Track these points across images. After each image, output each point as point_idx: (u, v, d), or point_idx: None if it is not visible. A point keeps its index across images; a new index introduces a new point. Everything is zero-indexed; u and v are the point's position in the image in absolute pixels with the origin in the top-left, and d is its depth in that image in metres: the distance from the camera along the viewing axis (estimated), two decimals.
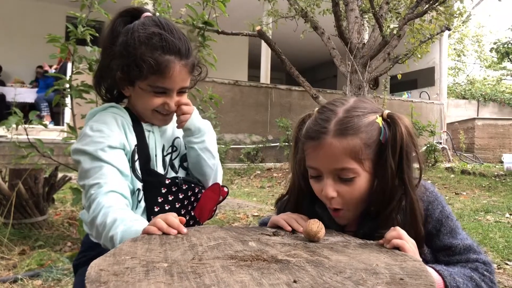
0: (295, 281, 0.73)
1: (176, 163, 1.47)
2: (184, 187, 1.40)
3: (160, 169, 1.40)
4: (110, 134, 1.29)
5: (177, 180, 1.39)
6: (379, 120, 1.14)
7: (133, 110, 1.42)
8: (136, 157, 1.35)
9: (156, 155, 1.40)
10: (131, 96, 1.39)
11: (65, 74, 4.65)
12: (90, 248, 1.37)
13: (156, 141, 1.42)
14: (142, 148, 1.37)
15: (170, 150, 1.46)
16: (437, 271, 1.05)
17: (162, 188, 1.36)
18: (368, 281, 0.74)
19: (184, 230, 1.04)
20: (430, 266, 1.06)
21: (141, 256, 0.85)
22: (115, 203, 1.18)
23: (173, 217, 1.05)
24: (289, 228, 1.13)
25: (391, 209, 1.13)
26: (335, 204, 1.13)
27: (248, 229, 1.16)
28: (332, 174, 1.11)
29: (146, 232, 1.03)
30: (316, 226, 1.02)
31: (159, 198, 1.36)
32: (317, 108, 1.21)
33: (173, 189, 1.38)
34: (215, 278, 0.73)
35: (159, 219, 1.04)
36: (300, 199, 1.27)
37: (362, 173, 1.11)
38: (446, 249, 1.15)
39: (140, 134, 1.39)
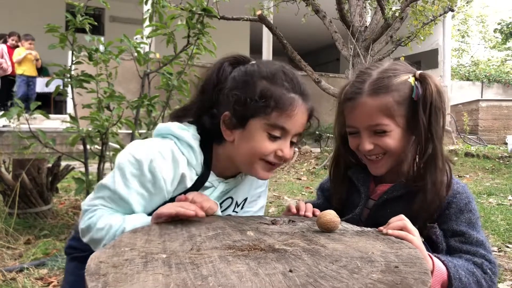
0: (291, 271, 0.74)
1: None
2: None
3: None
4: (160, 187, 1.16)
5: None
6: (412, 80, 1.23)
7: (218, 161, 1.26)
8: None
9: None
10: (233, 142, 1.21)
11: None
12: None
13: (211, 195, 1.27)
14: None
15: (222, 206, 1.32)
16: (442, 261, 1.08)
17: None
18: (363, 270, 0.75)
19: (201, 213, 1.06)
20: (436, 256, 1.08)
21: (140, 247, 0.86)
22: (114, 215, 1.15)
23: (188, 204, 1.08)
24: (302, 213, 1.22)
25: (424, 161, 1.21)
26: (375, 152, 1.25)
27: (247, 218, 1.17)
28: (367, 130, 1.24)
29: (161, 215, 1.05)
30: (330, 215, 1.02)
31: None
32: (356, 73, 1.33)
33: None
34: (212, 269, 0.74)
35: (172, 205, 1.06)
36: (341, 162, 1.41)
37: (395, 128, 1.22)
38: (460, 235, 1.19)
39: (193, 190, 1.22)
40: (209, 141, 1.25)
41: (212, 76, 1.25)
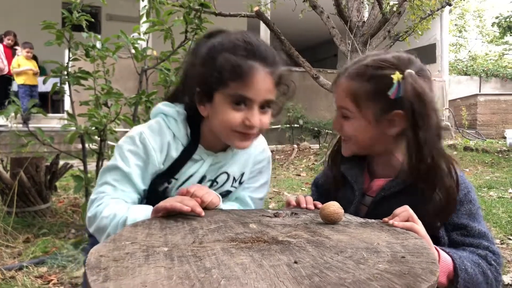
0: (295, 262, 0.73)
1: None
2: None
3: None
4: (150, 155, 1.25)
5: None
6: (395, 77, 1.13)
7: (206, 136, 1.31)
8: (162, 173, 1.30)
9: (188, 182, 1.32)
10: (208, 117, 1.25)
11: None
12: None
13: (199, 170, 1.31)
14: (172, 173, 1.30)
15: (209, 184, 1.35)
16: (447, 253, 1.06)
17: None
18: (369, 260, 0.74)
19: (199, 209, 1.06)
20: (441, 249, 1.07)
21: (141, 241, 0.85)
22: (121, 204, 1.20)
23: (188, 199, 1.09)
24: (304, 206, 1.22)
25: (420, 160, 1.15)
26: (342, 133, 1.28)
27: (249, 211, 1.16)
28: (339, 110, 1.26)
29: (159, 209, 1.06)
30: (334, 206, 1.01)
31: None
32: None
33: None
34: (216, 261, 0.73)
35: (172, 199, 1.07)
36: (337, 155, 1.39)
37: (359, 118, 1.21)
38: (462, 228, 1.17)
39: (181, 162, 1.30)
40: (197, 118, 1.30)
41: (187, 56, 1.34)
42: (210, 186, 1.34)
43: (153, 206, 1.20)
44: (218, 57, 1.16)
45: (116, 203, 1.17)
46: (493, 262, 1.13)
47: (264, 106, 1.21)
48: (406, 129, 1.15)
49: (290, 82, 1.28)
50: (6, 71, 8.77)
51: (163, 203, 1.07)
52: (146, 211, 1.13)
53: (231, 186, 1.40)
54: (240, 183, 1.42)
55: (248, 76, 1.14)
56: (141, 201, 1.29)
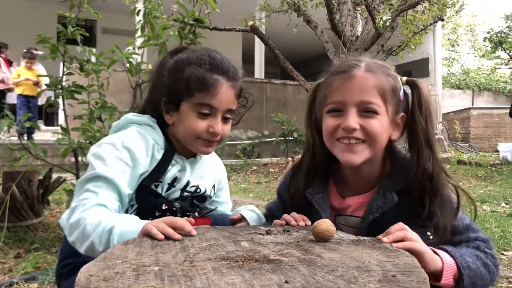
0: (286, 282, 0.72)
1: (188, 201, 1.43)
2: (179, 215, 1.34)
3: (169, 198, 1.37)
4: (137, 158, 1.26)
5: (174, 208, 1.36)
6: (401, 80, 1.19)
7: (174, 142, 1.38)
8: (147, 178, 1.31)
9: (173, 187, 1.36)
10: (174, 125, 1.34)
11: None
12: (71, 255, 1.31)
13: (183, 176, 1.38)
14: (157, 176, 1.32)
15: (193, 189, 1.41)
16: (449, 253, 1.07)
17: (157, 212, 1.33)
18: (360, 279, 0.74)
19: (188, 229, 1.02)
20: (441, 248, 1.07)
21: (132, 259, 0.84)
22: (106, 211, 1.16)
23: (178, 219, 1.05)
24: (294, 223, 1.17)
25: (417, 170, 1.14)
26: (356, 135, 1.13)
27: (241, 228, 1.15)
28: (356, 107, 1.13)
29: (146, 232, 1.01)
30: (325, 224, 1.00)
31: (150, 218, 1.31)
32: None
33: (167, 214, 1.33)
34: (206, 281, 0.72)
35: (162, 222, 1.02)
36: (309, 173, 1.30)
37: (384, 115, 1.14)
38: (448, 229, 1.16)
39: (164, 164, 1.34)
40: (162, 126, 1.37)
41: (155, 70, 1.40)
42: (195, 192, 1.42)
43: (142, 210, 1.29)
44: (186, 69, 1.28)
45: (100, 210, 1.14)
46: (487, 250, 1.14)
47: (226, 116, 1.33)
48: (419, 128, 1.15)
49: (249, 95, 1.43)
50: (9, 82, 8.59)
51: (155, 232, 1.00)
52: (136, 224, 1.07)
53: (210, 190, 1.49)
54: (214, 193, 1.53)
55: (213, 88, 1.27)
56: (125, 208, 1.27)
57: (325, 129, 1.19)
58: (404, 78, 1.22)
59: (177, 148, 1.38)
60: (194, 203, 1.43)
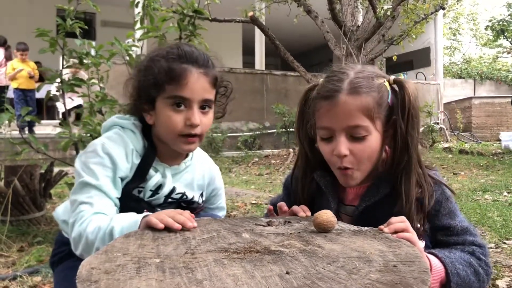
0: (287, 273, 0.72)
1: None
2: None
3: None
4: (117, 163, 1.24)
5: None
6: (387, 84, 1.18)
7: (159, 146, 1.33)
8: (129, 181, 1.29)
9: (157, 194, 1.33)
10: (154, 125, 1.30)
11: None
12: (64, 244, 1.35)
13: (166, 182, 1.34)
14: (138, 182, 1.30)
15: (179, 196, 1.38)
16: (439, 258, 1.07)
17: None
18: (362, 270, 0.74)
19: (189, 224, 1.02)
20: (432, 253, 1.08)
21: (133, 252, 0.84)
22: (103, 217, 1.17)
23: (180, 212, 1.05)
24: (303, 214, 1.18)
25: (399, 170, 1.16)
26: (347, 162, 1.14)
27: (242, 220, 1.15)
28: (344, 132, 1.13)
29: (146, 224, 1.02)
30: (326, 215, 1.00)
31: None
32: (324, 75, 1.24)
33: None
34: (207, 273, 0.72)
35: (162, 213, 1.03)
36: (307, 168, 1.32)
37: (374, 132, 1.14)
38: (445, 229, 1.18)
39: (143, 170, 1.31)
40: (148, 128, 1.34)
41: (132, 73, 1.37)
42: (180, 198, 1.39)
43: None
44: (154, 64, 1.25)
45: (97, 218, 1.15)
46: (481, 257, 1.14)
47: (204, 106, 1.27)
48: (398, 131, 1.16)
49: (227, 83, 1.37)
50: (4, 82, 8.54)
51: (155, 222, 1.01)
52: (132, 217, 1.09)
53: (199, 197, 1.45)
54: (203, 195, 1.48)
55: (181, 77, 1.22)
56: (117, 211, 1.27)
57: (324, 155, 1.22)
58: (392, 78, 1.20)
59: (162, 153, 1.34)
60: (182, 206, 1.40)
